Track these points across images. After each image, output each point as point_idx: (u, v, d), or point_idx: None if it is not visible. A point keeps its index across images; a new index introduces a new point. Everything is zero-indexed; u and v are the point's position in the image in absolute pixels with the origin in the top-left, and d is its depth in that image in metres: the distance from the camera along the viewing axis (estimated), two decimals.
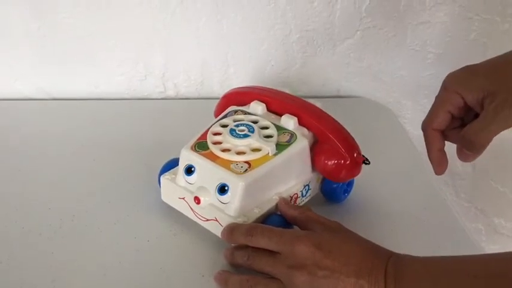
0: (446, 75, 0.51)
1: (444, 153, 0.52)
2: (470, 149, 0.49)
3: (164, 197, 0.55)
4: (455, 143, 0.52)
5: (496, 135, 0.48)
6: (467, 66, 0.50)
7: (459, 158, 0.51)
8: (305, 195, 0.56)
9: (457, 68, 0.81)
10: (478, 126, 0.48)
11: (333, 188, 0.57)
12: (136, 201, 0.57)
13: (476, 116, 0.49)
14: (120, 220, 0.55)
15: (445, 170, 0.52)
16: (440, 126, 0.51)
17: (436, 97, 0.51)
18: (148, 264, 0.50)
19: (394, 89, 0.84)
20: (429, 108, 0.84)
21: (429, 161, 0.53)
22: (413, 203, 0.60)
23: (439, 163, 0.52)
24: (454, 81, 0.50)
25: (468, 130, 0.48)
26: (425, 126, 0.52)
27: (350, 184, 0.59)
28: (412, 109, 0.86)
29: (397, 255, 0.43)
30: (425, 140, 0.52)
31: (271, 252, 0.45)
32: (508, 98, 0.47)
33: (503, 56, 0.50)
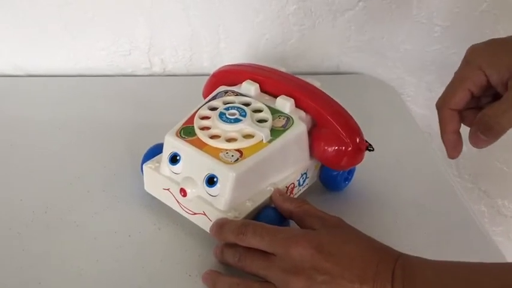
0: (469, 47, 0.46)
1: (459, 135, 0.47)
2: (486, 134, 0.44)
3: (147, 187, 0.52)
4: (469, 125, 0.47)
5: None
6: (493, 40, 0.46)
7: (471, 143, 0.46)
8: (302, 185, 0.53)
9: (467, 42, 0.77)
10: (500, 108, 0.43)
11: (332, 175, 0.54)
12: (118, 191, 0.54)
13: (495, 96, 0.45)
14: (99, 212, 0.52)
15: (459, 154, 0.48)
16: (458, 106, 0.46)
17: (456, 73, 0.47)
18: (129, 262, 0.47)
19: (397, 65, 0.82)
20: (433, 86, 0.83)
21: (441, 143, 0.49)
22: (418, 189, 0.58)
23: (454, 147, 0.47)
24: (478, 56, 0.45)
25: (487, 112, 0.43)
26: (441, 105, 0.47)
27: (351, 171, 0.56)
28: (416, 86, 0.84)
29: (406, 257, 0.40)
30: (440, 120, 0.47)
31: (264, 253, 0.42)
32: None
33: None
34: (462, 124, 0.49)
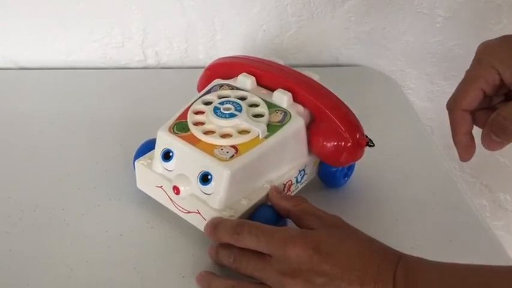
0: (480, 44, 0.44)
1: (472, 137, 0.45)
2: (499, 135, 0.42)
3: (140, 185, 0.51)
4: (481, 127, 0.46)
5: None
6: (505, 36, 0.44)
7: (484, 145, 0.44)
8: (300, 182, 0.51)
9: (470, 33, 0.76)
10: None
11: (331, 172, 0.53)
12: (109, 188, 0.53)
13: (508, 96, 0.43)
14: (90, 210, 0.50)
15: (471, 157, 0.46)
16: (470, 106, 0.45)
17: (467, 71, 0.45)
18: (121, 262, 0.46)
19: (398, 57, 0.81)
20: (435, 78, 0.82)
21: (442, 137, 0.48)
22: (419, 185, 0.57)
23: (466, 149, 0.46)
24: (490, 53, 0.43)
25: (501, 113, 0.42)
26: (453, 106, 0.45)
27: (351, 167, 0.55)
28: (418, 78, 0.83)
29: (408, 258, 0.39)
30: (451, 122, 0.46)
31: (260, 254, 0.40)
32: None
33: None
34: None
